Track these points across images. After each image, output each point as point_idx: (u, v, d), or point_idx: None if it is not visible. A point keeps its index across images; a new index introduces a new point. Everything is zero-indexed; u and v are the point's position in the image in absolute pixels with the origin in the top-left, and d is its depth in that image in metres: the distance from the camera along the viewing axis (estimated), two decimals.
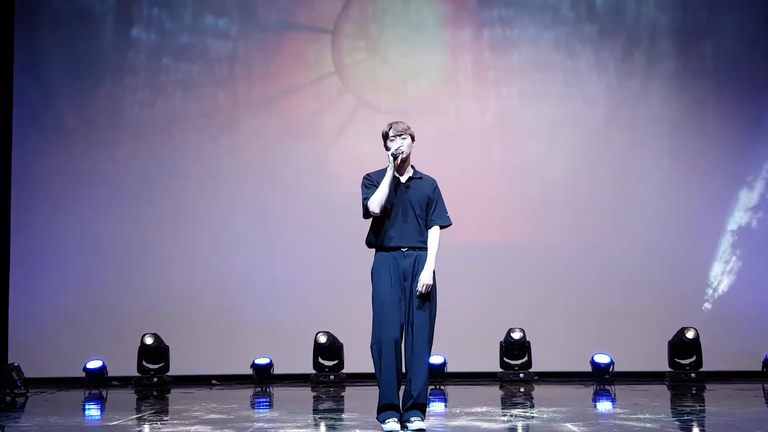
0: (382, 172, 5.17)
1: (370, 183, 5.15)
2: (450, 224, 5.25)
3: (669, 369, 8.62)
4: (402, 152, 5.10)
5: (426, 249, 5.14)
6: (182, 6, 9.56)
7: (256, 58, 9.49)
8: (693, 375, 8.47)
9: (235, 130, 9.41)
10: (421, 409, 5.07)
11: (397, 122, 5.19)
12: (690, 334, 8.56)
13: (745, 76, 9.32)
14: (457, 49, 9.44)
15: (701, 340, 8.56)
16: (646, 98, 9.33)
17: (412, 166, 5.25)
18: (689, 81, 9.35)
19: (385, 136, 5.18)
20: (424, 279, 5.05)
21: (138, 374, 8.76)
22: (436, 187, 5.25)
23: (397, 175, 5.17)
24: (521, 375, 8.62)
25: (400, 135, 5.14)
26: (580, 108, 9.34)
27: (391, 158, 5.08)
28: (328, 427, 5.70)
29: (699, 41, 9.41)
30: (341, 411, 6.63)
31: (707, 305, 9.07)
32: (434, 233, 5.19)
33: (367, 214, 5.15)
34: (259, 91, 9.44)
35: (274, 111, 9.42)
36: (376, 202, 5.05)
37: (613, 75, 9.38)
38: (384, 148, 5.20)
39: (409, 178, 5.20)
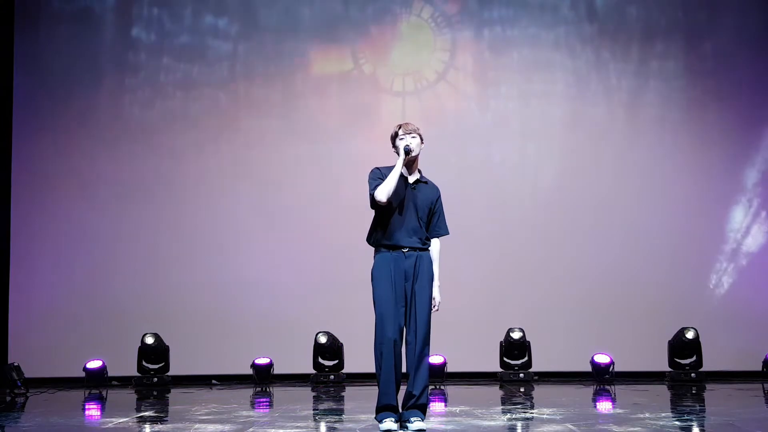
0: (391, 167, 5.19)
1: (379, 175, 5.16)
2: (448, 234, 5.32)
3: (669, 369, 8.62)
4: (412, 150, 5.12)
5: (426, 250, 5.18)
6: (182, 6, 9.56)
7: (256, 58, 9.49)
8: (693, 375, 8.47)
9: (235, 130, 9.40)
10: (422, 409, 5.07)
11: (406, 123, 5.24)
12: (690, 334, 8.55)
13: (745, 76, 9.31)
14: (457, 49, 9.45)
15: (701, 340, 8.56)
16: (646, 98, 9.32)
17: (419, 170, 5.27)
18: (689, 81, 9.35)
19: (395, 136, 5.21)
20: (437, 297, 5.16)
21: (138, 374, 8.76)
22: (440, 196, 5.29)
23: (405, 173, 5.18)
24: (521, 375, 8.62)
25: (409, 134, 5.17)
26: (580, 108, 9.34)
27: (403, 152, 5.10)
28: (328, 427, 5.70)
29: (699, 41, 9.40)
30: (341, 411, 6.63)
31: (707, 305, 9.06)
32: (438, 245, 5.26)
33: (373, 204, 5.14)
34: (259, 91, 9.44)
35: (274, 111, 9.42)
36: (384, 192, 5.04)
37: (613, 75, 9.38)
38: (393, 149, 5.22)
39: (417, 180, 5.22)
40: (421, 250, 5.15)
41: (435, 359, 8.29)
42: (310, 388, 8.30)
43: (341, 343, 8.82)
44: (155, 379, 8.71)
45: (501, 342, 8.77)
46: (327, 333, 8.77)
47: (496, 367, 8.77)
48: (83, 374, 8.58)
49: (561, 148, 9.31)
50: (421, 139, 5.21)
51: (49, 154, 9.36)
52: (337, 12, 9.52)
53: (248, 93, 9.45)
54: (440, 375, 8.43)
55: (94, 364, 8.61)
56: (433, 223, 5.24)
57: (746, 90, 9.30)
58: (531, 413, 6.17)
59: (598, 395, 7.56)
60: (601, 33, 9.43)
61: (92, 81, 9.45)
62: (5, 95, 9.41)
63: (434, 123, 9.09)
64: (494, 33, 9.48)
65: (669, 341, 8.68)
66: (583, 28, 9.44)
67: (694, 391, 7.66)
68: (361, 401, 6.95)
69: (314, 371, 8.76)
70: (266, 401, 7.48)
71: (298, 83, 9.45)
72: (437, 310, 5.19)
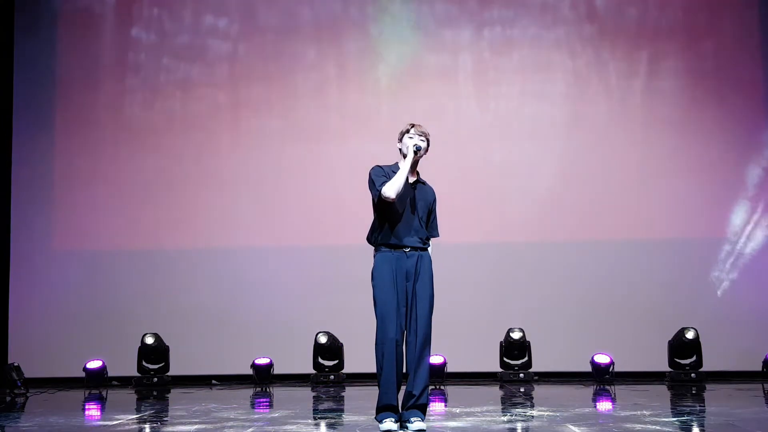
0: (392, 166, 5.18)
1: (382, 172, 5.15)
2: (439, 236, 5.32)
3: (669, 369, 8.62)
4: (421, 149, 5.12)
5: (426, 249, 5.19)
6: (182, 6, 9.57)
7: (256, 58, 9.49)
8: (693, 375, 8.47)
9: (235, 130, 9.41)
10: (422, 409, 5.07)
11: (419, 124, 5.24)
12: (690, 334, 8.55)
13: (745, 76, 9.31)
14: (457, 49, 9.44)
15: (701, 340, 8.56)
16: (646, 98, 9.32)
17: (417, 172, 5.27)
18: (689, 81, 9.35)
19: (405, 132, 5.20)
20: None
21: (138, 374, 8.76)
22: (435, 198, 5.30)
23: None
24: (521, 375, 8.62)
25: (420, 136, 5.18)
26: (580, 108, 9.34)
27: (413, 151, 5.10)
28: (328, 427, 5.70)
29: (699, 41, 9.40)
30: (341, 411, 6.62)
31: (707, 305, 9.05)
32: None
33: (379, 201, 5.10)
34: (259, 91, 9.44)
35: (273, 111, 9.42)
36: (393, 189, 5.02)
37: (613, 75, 9.38)
38: (398, 144, 5.22)
39: (416, 181, 5.24)
40: (422, 249, 5.15)
41: (435, 359, 8.29)
42: (310, 388, 8.30)
43: (341, 343, 8.82)
44: (155, 379, 8.72)
45: (501, 342, 8.77)
46: (327, 333, 8.77)
47: (496, 367, 8.77)
48: (83, 374, 8.58)
49: (560, 148, 9.31)
50: (428, 145, 5.22)
51: (49, 154, 9.36)
52: (337, 12, 9.52)
53: (248, 93, 9.45)
54: (440, 375, 8.43)
55: (94, 364, 8.61)
56: (429, 221, 5.26)
57: (746, 90, 9.29)
58: (531, 413, 6.17)
59: (598, 395, 7.55)
60: (601, 33, 9.43)
61: (92, 81, 9.46)
62: (5, 95, 9.42)
63: (434, 123, 9.02)
64: (494, 33, 9.48)
65: (669, 341, 8.67)
66: (583, 28, 9.44)
67: (694, 391, 7.66)
68: (361, 401, 6.95)
69: (314, 371, 8.76)
70: (266, 401, 7.48)
71: (298, 83, 9.45)
72: None
